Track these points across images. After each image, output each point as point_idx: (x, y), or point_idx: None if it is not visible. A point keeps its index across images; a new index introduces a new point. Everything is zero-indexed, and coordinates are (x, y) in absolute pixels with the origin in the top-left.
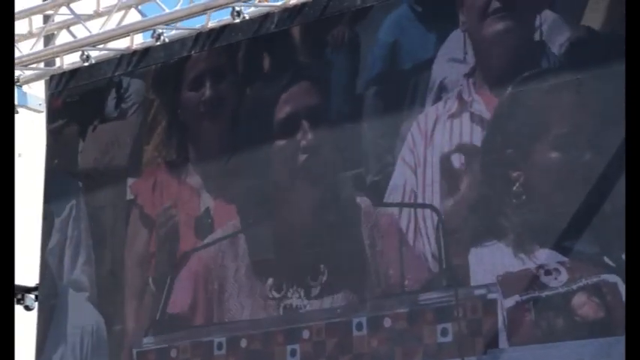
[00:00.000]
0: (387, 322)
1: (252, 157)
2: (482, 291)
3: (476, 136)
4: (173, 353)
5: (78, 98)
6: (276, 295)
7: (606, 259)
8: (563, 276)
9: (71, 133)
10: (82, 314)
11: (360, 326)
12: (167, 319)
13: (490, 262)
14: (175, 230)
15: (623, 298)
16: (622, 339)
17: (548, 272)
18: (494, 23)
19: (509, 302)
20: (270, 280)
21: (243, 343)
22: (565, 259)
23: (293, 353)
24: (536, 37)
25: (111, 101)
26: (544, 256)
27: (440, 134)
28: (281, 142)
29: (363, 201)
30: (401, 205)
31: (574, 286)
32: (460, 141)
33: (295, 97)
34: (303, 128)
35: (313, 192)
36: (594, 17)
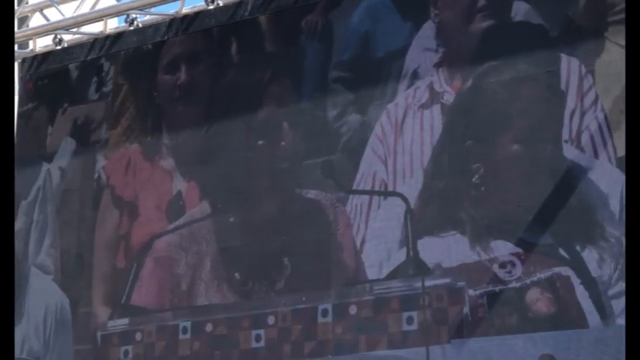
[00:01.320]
0: (353, 310)
1: (225, 143)
2: (448, 280)
3: None
4: (138, 337)
5: (48, 81)
6: (243, 286)
7: (561, 252)
8: (518, 269)
9: (41, 116)
10: (46, 295)
11: (325, 313)
12: (133, 303)
13: (449, 253)
14: (146, 212)
15: (576, 292)
16: (583, 331)
17: (502, 265)
18: (469, 16)
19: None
20: (237, 269)
21: (209, 328)
22: (520, 251)
23: (258, 338)
24: (507, 28)
25: (91, 84)
26: (499, 248)
27: (410, 125)
28: (257, 135)
29: (329, 189)
30: (370, 192)
31: (528, 281)
32: (432, 131)
33: (268, 88)
34: (280, 124)
35: (281, 180)
36: (570, 9)
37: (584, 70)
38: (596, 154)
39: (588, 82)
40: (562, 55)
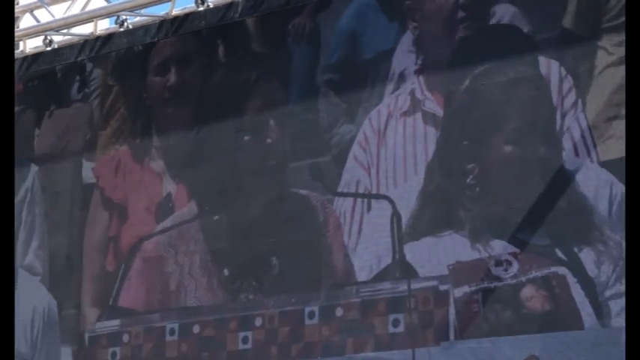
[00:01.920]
0: (339, 312)
1: (215, 145)
2: (434, 282)
3: (430, 133)
4: (125, 338)
5: (37, 83)
6: (232, 288)
7: (558, 252)
8: (514, 267)
9: (28, 118)
10: (33, 297)
11: (312, 315)
12: (121, 305)
13: (442, 253)
14: (135, 214)
15: (572, 291)
16: (572, 333)
17: (498, 263)
18: (450, 25)
19: (459, 293)
20: (225, 271)
21: (196, 329)
22: (517, 250)
23: (245, 340)
24: (490, 32)
25: (74, 85)
26: (496, 248)
27: (392, 132)
28: (246, 137)
29: (317, 191)
30: (355, 195)
31: (523, 278)
32: (414, 138)
33: (257, 90)
34: (269, 125)
35: (270, 181)
36: (558, 12)
37: (563, 72)
38: (577, 155)
39: (568, 84)
40: (543, 57)
